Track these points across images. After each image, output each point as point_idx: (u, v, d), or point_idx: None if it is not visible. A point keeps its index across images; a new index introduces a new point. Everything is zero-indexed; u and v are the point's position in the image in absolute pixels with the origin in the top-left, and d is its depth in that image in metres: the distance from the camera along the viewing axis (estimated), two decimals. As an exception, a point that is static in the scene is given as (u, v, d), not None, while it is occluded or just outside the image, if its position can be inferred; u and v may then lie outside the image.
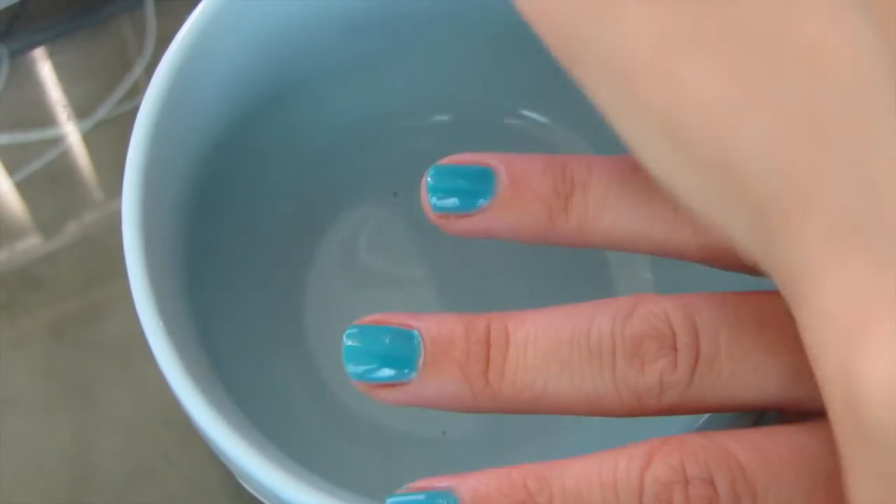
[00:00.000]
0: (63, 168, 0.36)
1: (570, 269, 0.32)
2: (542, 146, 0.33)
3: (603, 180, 0.20)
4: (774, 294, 0.19)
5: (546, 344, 0.18)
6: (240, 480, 0.23)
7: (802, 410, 0.18)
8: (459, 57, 0.31)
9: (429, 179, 0.20)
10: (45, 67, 0.38)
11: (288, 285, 0.31)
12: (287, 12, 0.27)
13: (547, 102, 0.33)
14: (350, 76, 0.30)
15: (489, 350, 0.19)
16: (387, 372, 0.19)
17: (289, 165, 0.31)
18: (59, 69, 0.38)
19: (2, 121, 0.37)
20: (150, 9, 0.39)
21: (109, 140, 0.37)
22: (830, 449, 0.17)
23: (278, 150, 0.31)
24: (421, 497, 0.18)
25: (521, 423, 0.29)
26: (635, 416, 0.19)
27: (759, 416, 0.20)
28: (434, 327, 0.19)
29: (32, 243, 0.35)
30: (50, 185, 0.36)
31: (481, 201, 0.20)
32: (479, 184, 0.20)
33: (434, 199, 0.20)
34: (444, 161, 0.21)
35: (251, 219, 0.30)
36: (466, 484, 0.18)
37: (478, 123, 0.33)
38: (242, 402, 0.23)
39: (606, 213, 0.20)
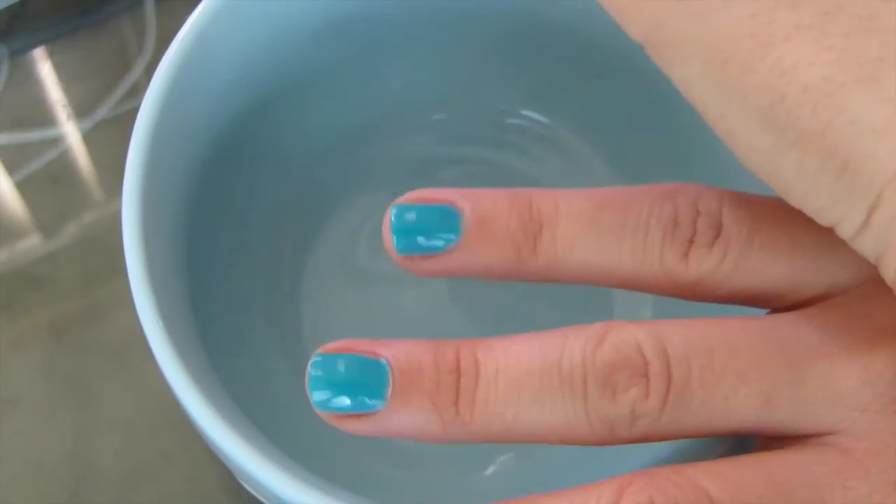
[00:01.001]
0: (63, 168, 0.36)
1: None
2: (540, 145, 0.33)
3: (571, 217, 0.19)
4: (748, 318, 0.19)
5: (517, 373, 0.18)
6: (240, 480, 0.23)
7: (776, 435, 0.18)
8: (458, 56, 0.31)
9: (392, 219, 0.20)
10: (45, 67, 0.38)
11: (287, 284, 0.31)
12: (286, 13, 0.27)
13: (545, 101, 0.33)
14: (349, 76, 0.30)
15: (459, 379, 0.18)
16: (353, 402, 0.18)
17: (288, 165, 0.31)
18: (59, 69, 0.38)
19: (2, 121, 0.37)
20: (150, 9, 0.39)
21: (109, 140, 0.37)
22: (801, 480, 0.17)
23: (277, 149, 0.31)
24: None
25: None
26: (607, 444, 0.18)
27: (736, 440, 0.20)
28: (402, 356, 0.18)
29: (32, 243, 0.35)
30: (50, 185, 0.36)
31: (447, 242, 0.19)
32: (443, 223, 0.19)
33: (396, 241, 0.20)
34: (407, 198, 0.20)
35: (250, 218, 0.30)
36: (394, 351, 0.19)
37: (476, 123, 0.33)
38: (242, 402, 0.23)
39: (575, 250, 0.19)
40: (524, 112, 0.33)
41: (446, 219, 0.19)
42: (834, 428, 0.18)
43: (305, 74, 0.29)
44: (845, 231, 0.16)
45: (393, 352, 0.19)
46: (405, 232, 0.19)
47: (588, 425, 0.18)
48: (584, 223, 0.19)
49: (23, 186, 0.36)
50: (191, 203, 0.25)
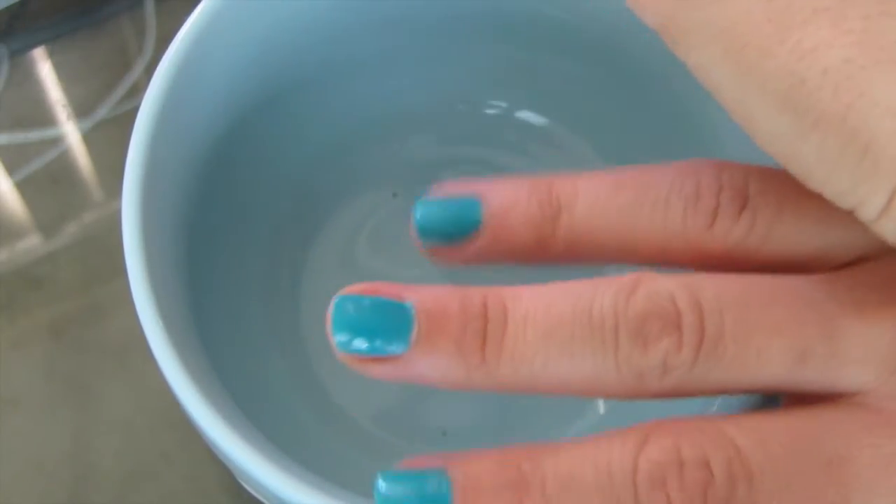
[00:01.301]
0: (63, 168, 0.36)
1: (570, 269, 0.32)
2: (539, 144, 0.33)
3: (589, 199, 0.19)
4: (781, 276, 0.18)
5: (546, 321, 0.18)
6: (239, 480, 0.23)
7: (806, 394, 0.18)
8: (458, 58, 0.31)
9: (416, 216, 0.20)
10: (45, 67, 0.38)
11: (287, 285, 0.31)
12: (285, 14, 0.27)
13: (544, 101, 0.33)
14: (349, 77, 0.30)
15: (486, 325, 0.18)
16: (377, 345, 0.18)
17: (287, 166, 0.31)
18: (59, 69, 0.38)
19: (2, 121, 0.37)
20: (150, 9, 0.39)
21: (109, 140, 0.37)
22: (830, 433, 0.17)
23: (277, 150, 0.31)
24: (414, 474, 0.18)
25: (521, 422, 0.29)
26: (635, 397, 0.18)
27: (763, 401, 0.20)
28: (428, 300, 0.18)
29: (32, 243, 0.35)
30: (50, 185, 0.36)
31: (470, 232, 0.20)
32: (466, 215, 0.20)
33: (423, 236, 0.20)
34: (431, 194, 0.20)
35: (251, 219, 0.30)
36: (460, 463, 0.18)
37: (475, 123, 0.33)
38: (242, 402, 0.23)
39: (595, 231, 0.19)
40: (522, 112, 0.33)
41: (468, 211, 0.20)
42: (865, 387, 0.18)
43: (304, 76, 0.29)
44: (866, 214, 0.16)
45: (419, 296, 0.18)
46: (429, 228, 0.20)
47: (617, 375, 0.18)
48: (601, 203, 0.19)
49: (23, 186, 0.36)
50: (190, 203, 0.25)
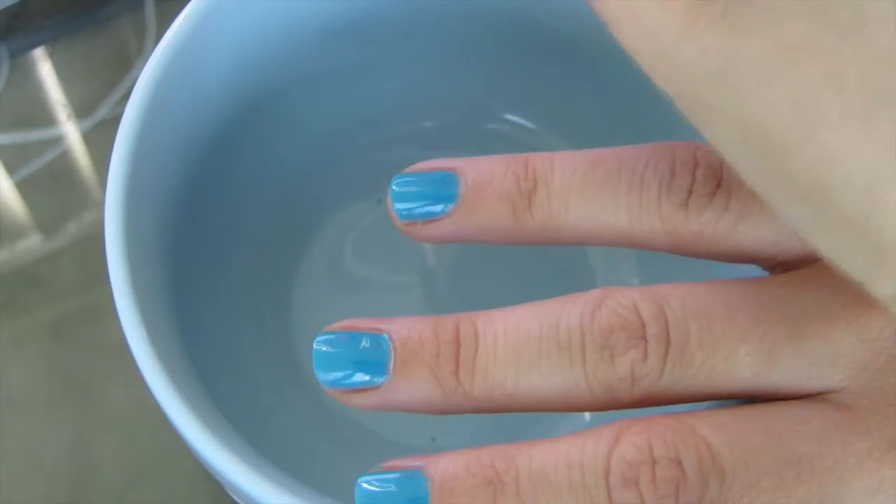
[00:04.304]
0: (63, 168, 0.36)
1: (553, 270, 0.32)
2: (526, 150, 0.33)
3: (566, 175, 0.19)
4: (744, 280, 0.18)
5: (515, 340, 0.18)
6: (228, 492, 0.23)
7: (779, 397, 0.18)
8: (443, 63, 0.31)
9: (393, 187, 0.20)
10: (45, 67, 0.38)
11: (274, 291, 0.31)
12: (270, 21, 0.27)
13: (532, 107, 0.32)
14: (334, 83, 0.30)
15: (458, 349, 0.19)
16: (358, 377, 0.19)
17: (273, 172, 0.31)
18: (59, 69, 0.38)
19: (2, 121, 0.37)
20: (150, 9, 0.39)
21: (109, 140, 0.36)
22: (801, 430, 0.17)
23: (263, 156, 0.30)
24: (393, 475, 0.18)
25: (510, 432, 0.29)
26: (609, 409, 0.18)
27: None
28: (403, 330, 0.19)
29: (32, 243, 0.35)
30: (50, 185, 0.36)
31: (446, 205, 0.20)
32: (443, 188, 0.20)
33: (399, 207, 0.20)
34: (408, 169, 0.21)
35: (236, 226, 0.30)
36: (436, 463, 0.18)
37: (463, 129, 0.33)
38: (229, 412, 0.23)
39: (571, 207, 0.19)
40: (510, 117, 0.33)
41: (445, 184, 0.20)
42: (835, 386, 0.18)
43: (290, 82, 0.29)
44: (876, 293, 0.16)
45: (395, 327, 0.19)
46: (405, 199, 0.20)
47: (588, 389, 0.18)
48: (578, 179, 0.19)
49: (23, 186, 0.36)
50: (176, 211, 0.25)
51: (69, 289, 0.35)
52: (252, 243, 0.31)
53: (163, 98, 0.24)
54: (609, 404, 0.18)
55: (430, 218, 0.20)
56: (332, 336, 0.19)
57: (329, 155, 0.32)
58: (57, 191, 0.36)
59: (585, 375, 0.18)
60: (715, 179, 0.19)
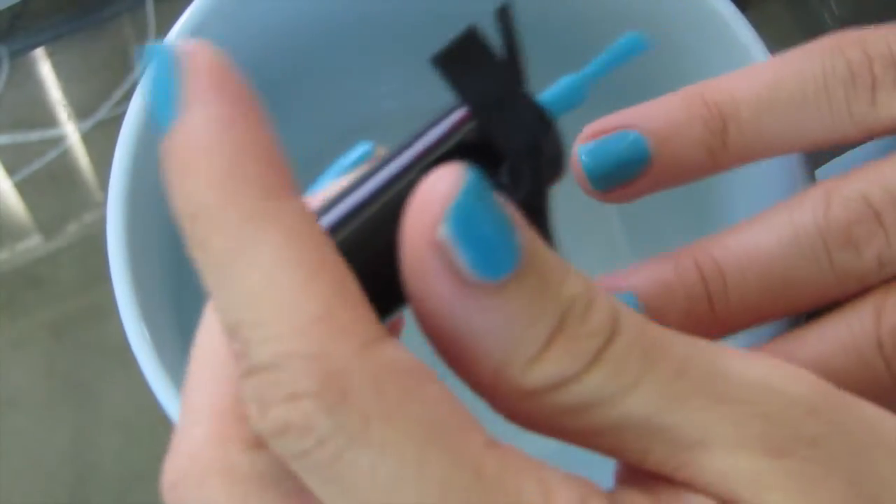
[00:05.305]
0: (63, 168, 0.36)
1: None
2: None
3: (751, 105, 0.19)
4: None
5: (759, 263, 0.18)
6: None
7: None
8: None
9: (585, 160, 0.20)
10: (45, 67, 0.38)
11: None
12: (271, 21, 0.27)
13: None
14: (334, 83, 0.30)
15: (707, 286, 0.19)
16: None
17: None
18: (59, 69, 0.38)
19: (2, 121, 0.37)
20: (150, 9, 0.39)
21: (109, 140, 0.37)
22: None
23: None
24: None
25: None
26: (858, 295, 0.19)
27: None
28: (646, 283, 0.19)
29: (32, 243, 0.35)
30: (50, 185, 0.36)
31: (640, 167, 0.20)
32: (632, 153, 0.20)
33: (594, 183, 0.20)
34: (588, 134, 0.20)
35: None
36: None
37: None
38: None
39: (763, 132, 0.19)
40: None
41: (633, 149, 0.20)
42: None
43: (291, 81, 0.29)
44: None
45: (637, 281, 0.19)
46: (599, 172, 0.20)
47: (838, 285, 0.18)
48: (765, 106, 0.19)
49: (23, 186, 0.36)
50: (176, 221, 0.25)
51: (69, 289, 0.35)
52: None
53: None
54: (859, 292, 0.18)
55: (625, 183, 0.20)
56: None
57: (329, 155, 0.32)
58: (57, 191, 0.36)
59: (835, 273, 0.18)
60: (893, 68, 0.19)
